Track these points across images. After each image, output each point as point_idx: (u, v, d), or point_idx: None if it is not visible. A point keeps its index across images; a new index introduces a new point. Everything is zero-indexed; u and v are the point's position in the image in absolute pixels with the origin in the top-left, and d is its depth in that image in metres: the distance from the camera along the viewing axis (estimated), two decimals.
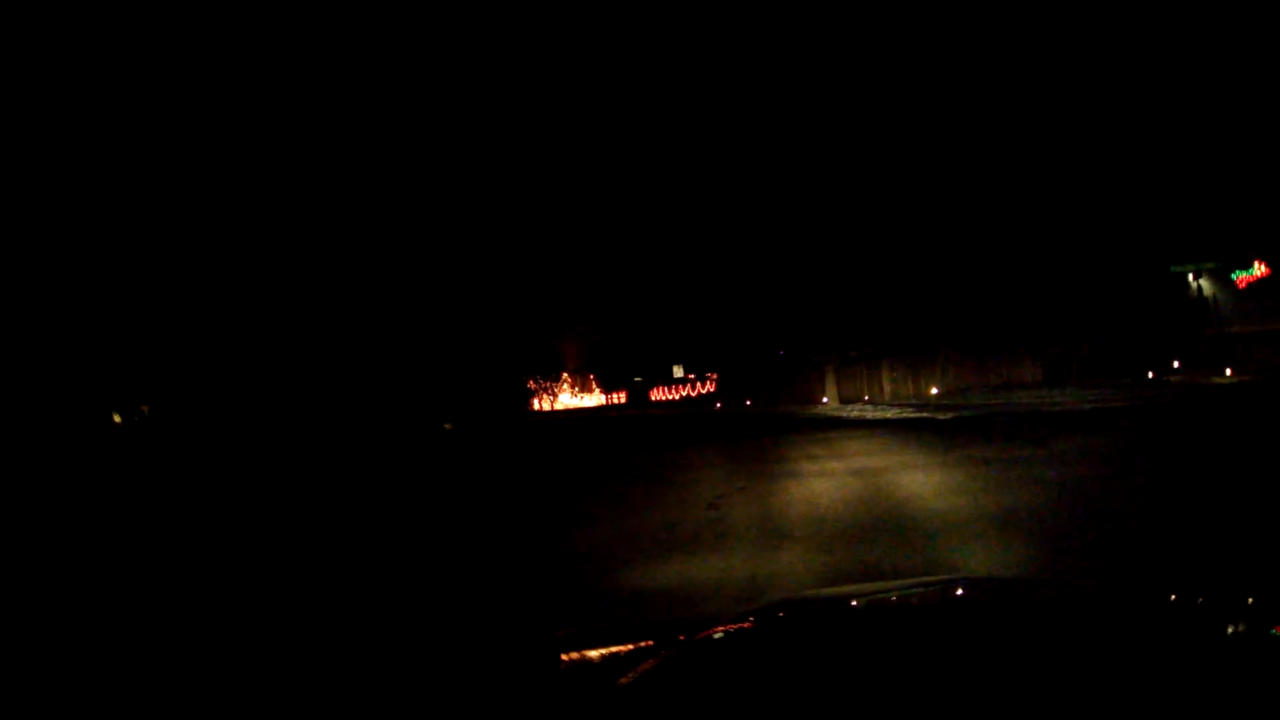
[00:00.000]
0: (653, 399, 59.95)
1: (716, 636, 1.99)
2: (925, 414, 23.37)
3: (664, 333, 59.99)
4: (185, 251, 36.16)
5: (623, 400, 71.58)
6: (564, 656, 2.13)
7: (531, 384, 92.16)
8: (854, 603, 2.46)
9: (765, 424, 25.92)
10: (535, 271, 67.75)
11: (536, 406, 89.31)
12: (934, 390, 31.50)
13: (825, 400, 34.39)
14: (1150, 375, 24.40)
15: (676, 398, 55.19)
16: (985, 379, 31.56)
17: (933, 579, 3.68)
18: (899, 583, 4.01)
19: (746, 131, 34.10)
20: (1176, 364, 24.74)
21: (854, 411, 28.23)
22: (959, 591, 2.48)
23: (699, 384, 52.37)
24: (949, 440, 14.65)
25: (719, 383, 47.71)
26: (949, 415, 21.85)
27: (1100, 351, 26.54)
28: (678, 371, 58.05)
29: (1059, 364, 28.68)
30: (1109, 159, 26.26)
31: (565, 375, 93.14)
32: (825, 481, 10.40)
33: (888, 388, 33.63)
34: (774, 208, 33.97)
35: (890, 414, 25.23)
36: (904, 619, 2.16)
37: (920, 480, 9.75)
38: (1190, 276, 25.25)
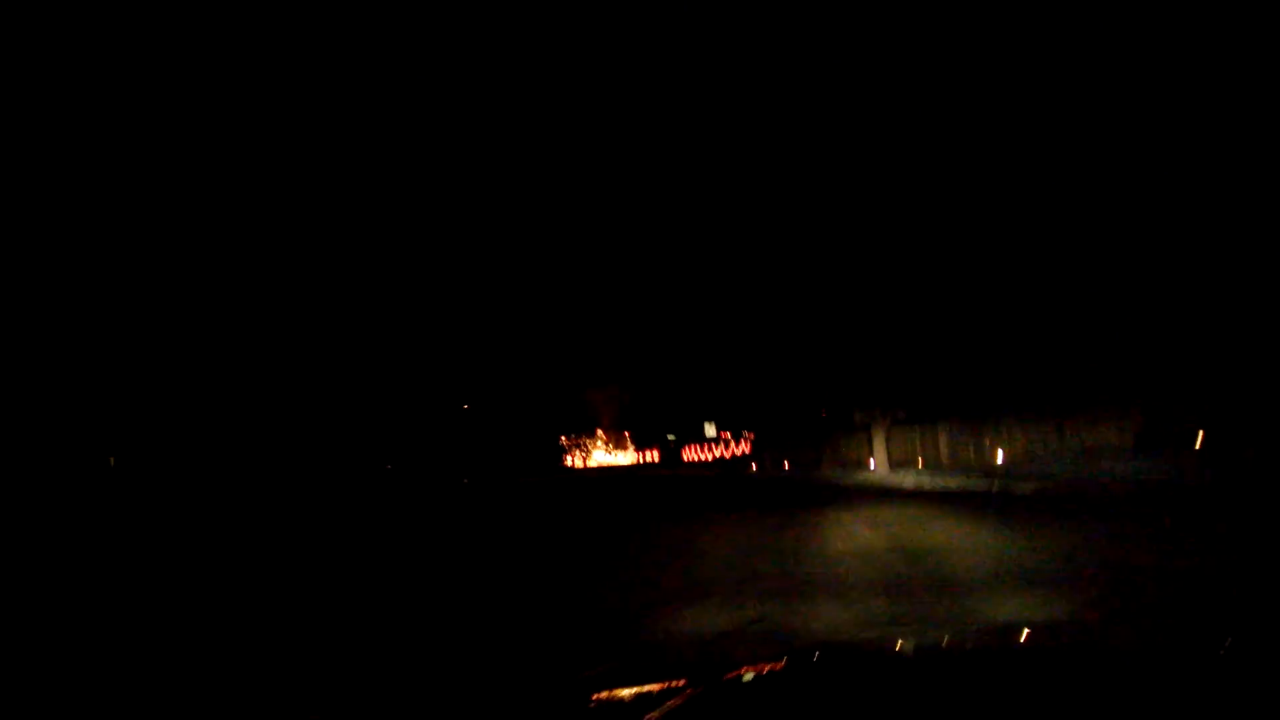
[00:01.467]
0: (685, 459, 55.98)
1: (748, 677, 1.99)
2: (996, 485, 19.21)
3: (699, 388, 56.55)
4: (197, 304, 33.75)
5: (655, 459, 67.81)
6: (593, 695, 2.08)
7: (564, 440, 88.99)
8: (895, 647, 2.38)
9: (800, 493, 22.01)
10: (569, 324, 65.47)
11: (569, 463, 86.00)
12: (999, 456, 27.15)
13: (873, 465, 30.23)
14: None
15: (709, 458, 51.15)
16: (1061, 443, 27.01)
17: (978, 629, 3.70)
18: (943, 635, 3.51)
19: (788, 173, 30.67)
20: None
21: (908, 480, 24.09)
22: (1003, 640, 2.46)
23: (734, 443, 48.30)
24: (1054, 529, 10.62)
25: (754, 443, 43.69)
26: (1029, 487, 17.70)
27: (1211, 415, 22.03)
28: (710, 430, 54.13)
29: (1155, 429, 24.14)
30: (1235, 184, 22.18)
31: (599, 432, 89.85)
32: (884, 600, 6.49)
33: (945, 451, 29.32)
34: (818, 249, 30.38)
35: (953, 484, 21.11)
36: (947, 666, 2.07)
37: (1039, 605, 5.81)
38: None
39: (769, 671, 2.02)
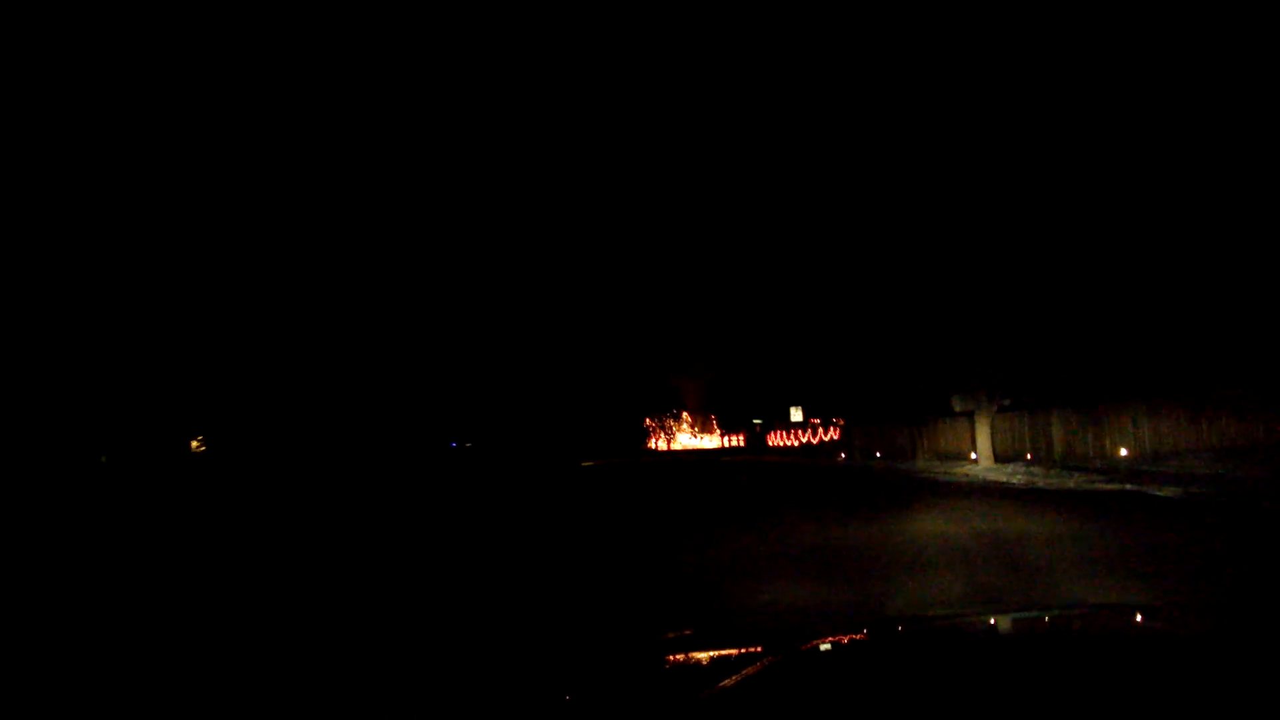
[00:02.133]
0: (770, 444, 53.29)
1: (825, 647, 1.95)
2: (1129, 485, 16.23)
3: (785, 371, 53.80)
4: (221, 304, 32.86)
5: (740, 444, 65.28)
6: (670, 656, 2.09)
7: (648, 422, 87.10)
8: (975, 623, 2.35)
9: (891, 489, 19.33)
10: (655, 307, 63.78)
11: (652, 445, 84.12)
12: (1123, 450, 23.85)
13: (975, 457, 27.19)
14: None
15: (795, 444, 48.36)
16: (1198, 437, 23.50)
17: (1063, 608, 3.80)
18: (1026, 610, 3.68)
19: (890, 140, 27.77)
20: None
21: (1017, 476, 21.14)
22: (1087, 618, 2.38)
23: (822, 430, 45.40)
24: (1226, 553, 7.89)
25: (844, 430, 40.78)
26: (1171, 491, 14.71)
27: None
28: (796, 415, 51.25)
29: None
30: None
31: (684, 415, 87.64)
32: None
33: (1058, 444, 26.08)
34: (909, 215, 27.39)
35: (1070, 482, 18.15)
36: (1030, 642, 2.03)
37: None
38: None
39: (849, 641, 1.97)
